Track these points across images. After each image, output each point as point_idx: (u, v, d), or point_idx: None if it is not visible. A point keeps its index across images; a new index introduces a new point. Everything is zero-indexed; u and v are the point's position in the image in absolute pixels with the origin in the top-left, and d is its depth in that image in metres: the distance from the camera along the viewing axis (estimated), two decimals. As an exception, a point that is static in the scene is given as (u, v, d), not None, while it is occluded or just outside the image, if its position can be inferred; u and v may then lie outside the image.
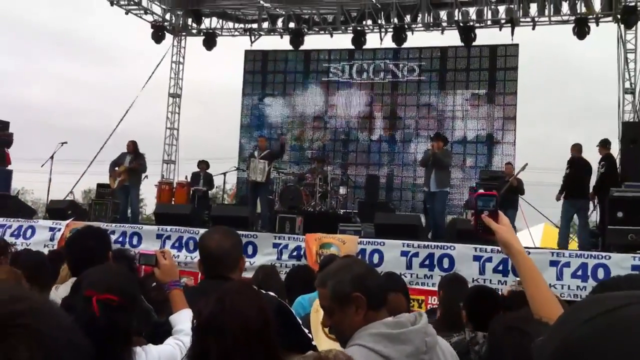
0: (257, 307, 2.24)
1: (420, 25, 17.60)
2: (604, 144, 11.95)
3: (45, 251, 7.92)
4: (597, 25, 16.15)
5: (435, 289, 7.28)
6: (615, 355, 0.76)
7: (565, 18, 16.57)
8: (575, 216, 11.82)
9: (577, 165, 11.75)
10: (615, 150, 12.54)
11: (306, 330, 3.22)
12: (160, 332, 2.98)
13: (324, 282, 2.51)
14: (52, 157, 14.50)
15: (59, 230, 11.65)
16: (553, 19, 16.78)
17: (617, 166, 12.20)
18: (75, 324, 1.06)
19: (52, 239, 11.56)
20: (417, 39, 18.01)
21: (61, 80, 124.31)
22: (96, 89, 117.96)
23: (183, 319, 2.93)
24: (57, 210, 12.94)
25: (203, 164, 15.78)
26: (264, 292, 3.01)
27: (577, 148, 11.93)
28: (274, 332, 2.24)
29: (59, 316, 1.00)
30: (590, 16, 16.07)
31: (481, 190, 2.27)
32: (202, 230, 10.14)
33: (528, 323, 2.08)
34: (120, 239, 11.24)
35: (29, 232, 11.95)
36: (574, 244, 12.98)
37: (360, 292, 2.41)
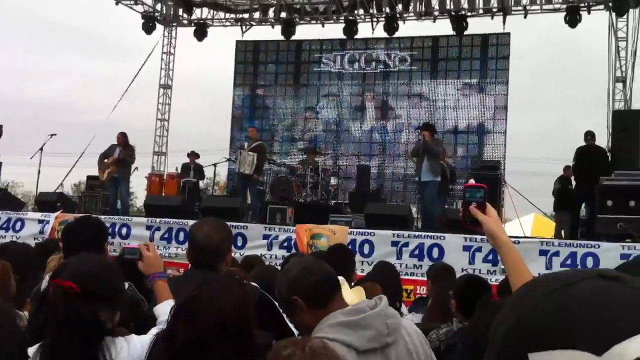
0: (236, 300, 2.19)
1: (412, 14, 17.55)
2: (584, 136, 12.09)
3: (34, 244, 7.90)
4: (589, 13, 16.11)
5: (424, 278, 7.26)
6: (566, 331, 0.75)
7: (557, 6, 16.54)
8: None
9: None
10: (604, 138, 12.60)
11: (290, 324, 3.20)
12: (150, 323, 2.97)
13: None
14: (41, 149, 14.43)
15: (49, 222, 11.59)
16: (545, 7, 16.76)
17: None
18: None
19: (41, 232, 11.49)
20: (408, 28, 17.98)
21: (54, 72, 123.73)
22: (88, 81, 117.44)
23: (166, 310, 2.91)
24: (47, 202, 12.87)
25: (193, 155, 15.74)
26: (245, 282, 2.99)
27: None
28: (253, 327, 2.20)
29: None
30: (582, 4, 16.03)
31: (471, 181, 2.25)
32: (191, 222, 10.12)
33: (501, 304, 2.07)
34: (109, 231, 11.17)
35: (18, 224, 11.89)
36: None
37: (296, 294, 2.44)
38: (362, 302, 2.45)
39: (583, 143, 11.98)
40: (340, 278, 3.09)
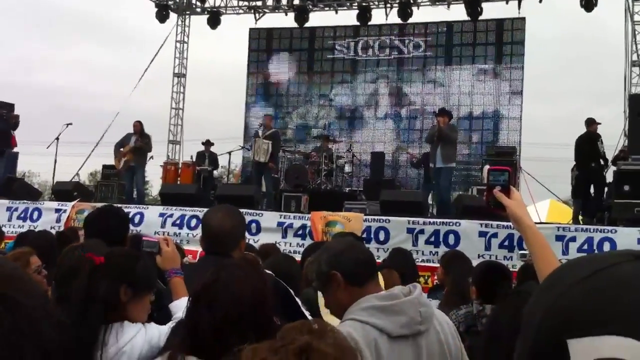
0: (253, 284, 2.22)
1: (426, 0, 17.42)
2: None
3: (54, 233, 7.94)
4: (605, -4, 15.95)
5: (441, 265, 7.25)
6: (607, 316, 0.73)
7: (573, -10, 16.36)
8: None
9: None
10: (620, 123, 12.51)
11: (306, 312, 3.20)
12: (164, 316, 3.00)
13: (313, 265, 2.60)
14: (57, 139, 14.50)
15: (65, 212, 11.68)
16: (560, -9, 16.60)
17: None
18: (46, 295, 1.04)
19: (58, 221, 11.59)
20: (422, 14, 17.89)
21: (69, 61, 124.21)
22: (104, 70, 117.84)
23: (182, 307, 2.93)
24: (63, 192, 12.97)
25: (208, 144, 15.78)
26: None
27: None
28: (270, 310, 2.22)
29: (32, 284, 0.98)
30: (598, -13, 15.86)
31: (487, 167, 2.24)
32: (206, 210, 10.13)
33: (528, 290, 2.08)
34: (126, 220, 11.19)
35: (36, 214, 11.99)
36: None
37: (335, 269, 2.44)
38: (396, 288, 2.46)
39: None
40: None
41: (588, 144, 11.79)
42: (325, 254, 2.53)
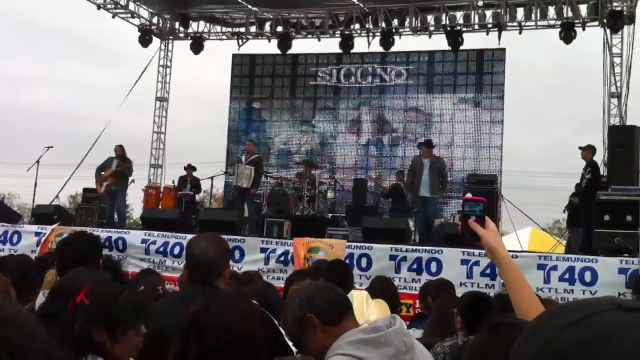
0: (243, 315, 2.22)
1: (407, 29, 17.62)
2: (591, 150, 12.10)
3: (32, 257, 7.84)
4: (584, 29, 16.23)
5: (423, 293, 7.25)
6: None
7: (552, 22, 16.65)
8: None
9: None
10: (599, 154, 12.65)
11: (290, 342, 3.19)
12: None
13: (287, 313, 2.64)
14: (37, 162, 14.40)
15: (45, 235, 11.55)
16: (540, 23, 16.85)
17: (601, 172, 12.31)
18: (50, 336, 1.03)
19: (38, 245, 11.46)
20: (404, 43, 18.07)
21: (50, 81, 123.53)
22: (86, 91, 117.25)
23: None
24: (43, 215, 12.84)
25: (190, 168, 15.73)
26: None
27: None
28: (260, 341, 2.22)
29: (35, 327, 0.97)
30: (577, 21, 16.15)
31: (468, 195, 2.26)
32: (188, 236, 10.11)
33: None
34: (106, 244, 11.14)
35: (15, 237, 11.85)
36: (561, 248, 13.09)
37: (310, 312, 2.45)
38: (379, 320, 2.46)
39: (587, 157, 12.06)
40: (364, 293, 3.13)
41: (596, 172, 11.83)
42: (297, 300, 2.56)
